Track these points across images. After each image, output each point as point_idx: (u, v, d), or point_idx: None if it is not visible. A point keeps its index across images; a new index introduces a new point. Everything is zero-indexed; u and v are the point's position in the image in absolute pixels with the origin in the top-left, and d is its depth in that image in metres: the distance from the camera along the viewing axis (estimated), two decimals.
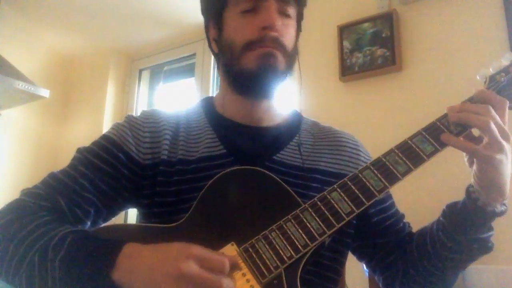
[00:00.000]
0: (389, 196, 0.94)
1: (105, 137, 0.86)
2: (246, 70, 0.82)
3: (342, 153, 0.91)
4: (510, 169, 0.72)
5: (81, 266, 0.63)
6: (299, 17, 0.91)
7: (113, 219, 0.88)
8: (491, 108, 0.71)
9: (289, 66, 0.86)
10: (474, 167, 0.73)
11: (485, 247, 0.79)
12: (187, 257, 0.59)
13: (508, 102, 0.73)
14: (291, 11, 0.86)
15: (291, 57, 0.86)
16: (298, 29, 0.91)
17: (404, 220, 0.94)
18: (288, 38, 0.84)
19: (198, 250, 0.61)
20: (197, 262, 0.59)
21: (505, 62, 0.79)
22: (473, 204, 0.75)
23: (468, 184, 0.77)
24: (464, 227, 0.77)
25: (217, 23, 0.87)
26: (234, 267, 0.65)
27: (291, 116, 0.96)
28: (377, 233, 0.90)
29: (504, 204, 0.76)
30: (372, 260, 0.93)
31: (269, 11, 0.81)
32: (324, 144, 0.92)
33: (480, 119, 0.70)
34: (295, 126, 0.94)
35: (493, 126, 0.69)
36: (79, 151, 0.85)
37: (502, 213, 0.76)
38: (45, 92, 2.61)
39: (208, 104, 0.95)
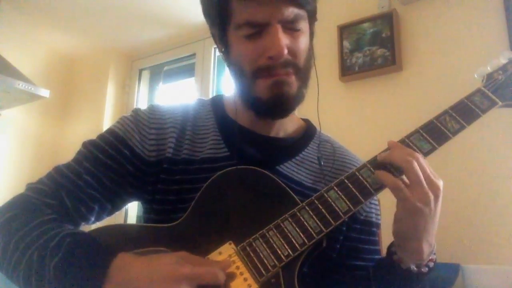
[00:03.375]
0: (374, 242, 0.90)
1: (111, 131, 0.86)
2: (259, 98, 0.78)
3: None
4: (431, 229, 0.68)
5: (74, 276, 0.63)
6: (312, 21, 0.84)
7: (113, 218, 0.88)
8: (419, 156, 0.68)
9: (304, 81, 0.81)
10: (395, 214, 0.69)
11: None
12: (179, 280, 0.59)
13: (420, 155, 0.69)
14: (301, 24, 0.78)
15: (305, 71, 0.81)
16: (311, 33, 0.85)
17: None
18: (300, 53, 0.78)
19: (189, 269, 0.60)
20: (189, 283, 0.59)
21: (503, 60, 0.79)
22: (390, 257, 0.73)
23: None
24: (382, 280, 0.76)
25: (222, 39, 0.81)
26: (230, 269, 0.65)
27: (304, 129, 0.93)
28: (336, 265, 0.86)
29: (427, 266, 0.71)
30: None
31: (274, 38, 0.73)
32: (330, 166, 0.88)
33: (391, 181, 0.67)
34: (306, 140, 0.91)
35: (402, 189, 0.65)
36: (85, 145, 0.85)
37: (422, 274, 0.71)
38: (45, 92, 2.62)
39: (218, 103, 0.94)
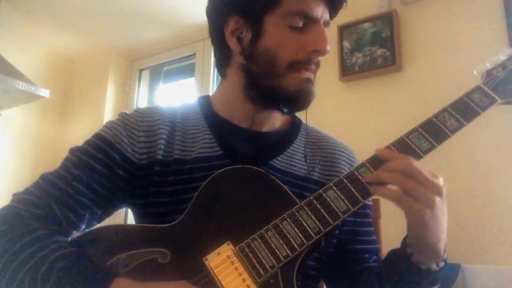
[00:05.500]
0: (369, 223, 0.92)
1: (98, 136, 0.84)
2: (285, 90, 0.79)
3: (335, 165, 0.90)
4: (443, 223, 0.68)
5: None
6: None
7: (112, 218, 0.87)
8: (403, 177, 0.65)
9: None
10: (407, 225, 0.69)
11: None
12: None
13: (412, 158, 0.68)
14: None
15: None
16: None
17: (374, 255, 0.90)
18: None
19: None
20: None
21: (502, 57, 0.79)
22: (407, 259, 0.72)
23: (406, 235, 0.73)
24: (397, 279, 0.75)
25: (254, 25, 0.79)
26: (228, 270, 0.65)
27: (290, 122, 0.94)
28: (336, 251, 0.87)
29: (443, 260, 0.71)
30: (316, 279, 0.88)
31: (322, 35, 0.78)
32: (320, 154, 0.90)
33: (391, 193, 0.66)
34: (293, 132, 0.92)
35: (405, 198, 0.64)
36: (72, 151, 0.82)
37: (440, 270, 0.71)
38: (45, 92, 2.61)
39: (206, 103, 0.93)
